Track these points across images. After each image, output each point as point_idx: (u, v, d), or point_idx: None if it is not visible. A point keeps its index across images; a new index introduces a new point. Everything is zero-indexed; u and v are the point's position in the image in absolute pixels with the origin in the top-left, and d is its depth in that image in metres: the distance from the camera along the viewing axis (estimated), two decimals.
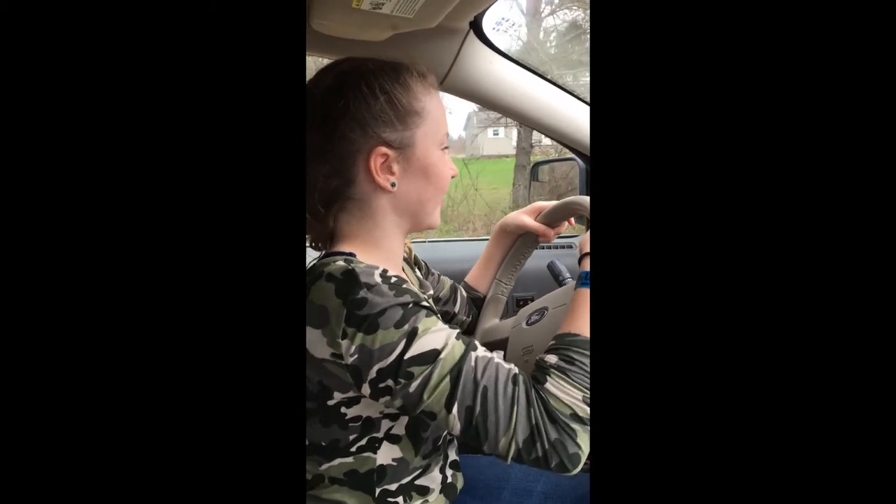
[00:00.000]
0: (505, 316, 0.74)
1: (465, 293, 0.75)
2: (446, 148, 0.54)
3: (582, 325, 0.47)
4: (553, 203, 0.69)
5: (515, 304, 1.06)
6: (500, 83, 0.85)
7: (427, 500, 0.55)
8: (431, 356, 0.42)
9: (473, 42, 0.78)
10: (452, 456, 0.59)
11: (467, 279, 0.77)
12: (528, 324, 0.63)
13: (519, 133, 5.53)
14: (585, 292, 0.49)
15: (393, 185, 0.50)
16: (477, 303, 0.76)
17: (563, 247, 1.16)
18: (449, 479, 0.58)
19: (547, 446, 0.41)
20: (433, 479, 0.55)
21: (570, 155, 1.06)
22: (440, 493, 0.56)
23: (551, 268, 0.76)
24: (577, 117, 0.92)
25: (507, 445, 0.42)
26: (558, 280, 0.75)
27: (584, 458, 0.43)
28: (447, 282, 0.74)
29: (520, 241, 0.74)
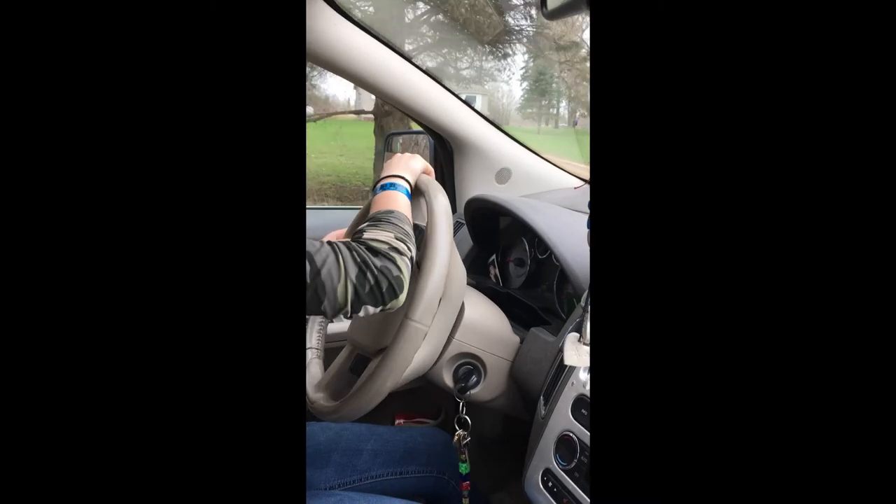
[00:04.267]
0: None
1: None
2: None
3: (379, 208, 0.57)
4: None
5: None
6: (348, 49, 0.83)
7: None
8: None
9: (316, 2, 0.75)
10: None
11: None
12: None
13: None
14: (380, 195, 0.60)
15: None
16: None
17: None
18: None
19: (376, 272, 0.48)
20: None
21: (419, 129, 1.09)
22: None
23: None
24: (425, 92, 0.95)
25: (343, 289, 0.46)
26: None
27: (405, 282, 0.50)
28: None
29: None
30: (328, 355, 0.75)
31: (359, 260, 0.48)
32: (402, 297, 0.50)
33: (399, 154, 0.67)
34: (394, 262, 0.49)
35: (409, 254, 0.52)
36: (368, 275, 0.47)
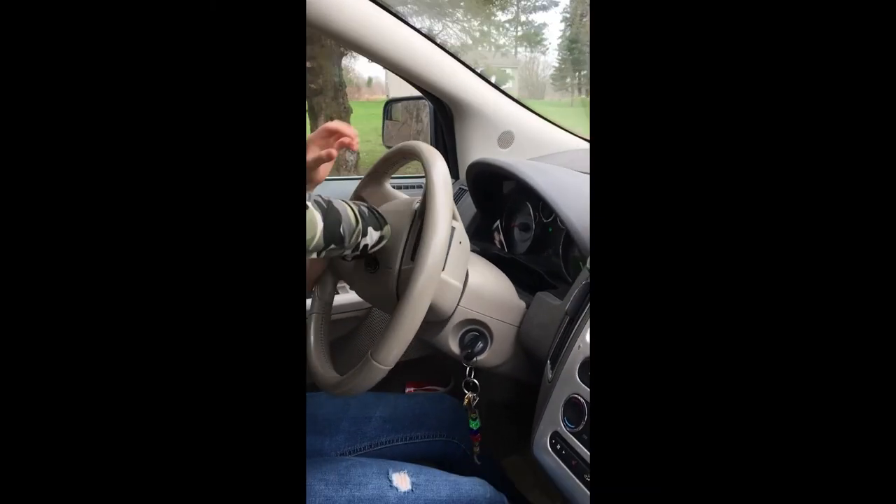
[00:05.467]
0: None
1: None
2: None
3: None
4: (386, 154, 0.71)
5: None
6: (343, 13, 0.80)
7: None
8: None
9: None
10: None
11: None
12: None
13: None
14: None
15: None
16: None
17: (416, 186, 1.18)
18: None
19: (364, 206, 0.58)
20: None
21: (418, 94, 1.06)
22: None
23: None
24: (422, 55, 0.91)
25: (352, 213, 0.55)
26: None
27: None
28: None
29: None
30: (333, 327, 0.75)
31: (348, 201, 0.57)
32: (388, 230, 0.59)
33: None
34: (368, 204, 0.60)
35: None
36: (361, 205, 0.57)
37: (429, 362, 1.10)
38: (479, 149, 1.05)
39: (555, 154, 1.05)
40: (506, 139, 1.05)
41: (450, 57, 0.95)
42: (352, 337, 1.07)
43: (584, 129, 1.08)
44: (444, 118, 1.06)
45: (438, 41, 0.94)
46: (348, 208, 0.54)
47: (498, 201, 0.94)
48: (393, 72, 0.95)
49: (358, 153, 3.89)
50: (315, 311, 0.74)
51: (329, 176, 0.70)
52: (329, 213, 0.52)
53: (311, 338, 0.72)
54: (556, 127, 1.08)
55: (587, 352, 0.54)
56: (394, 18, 0.87)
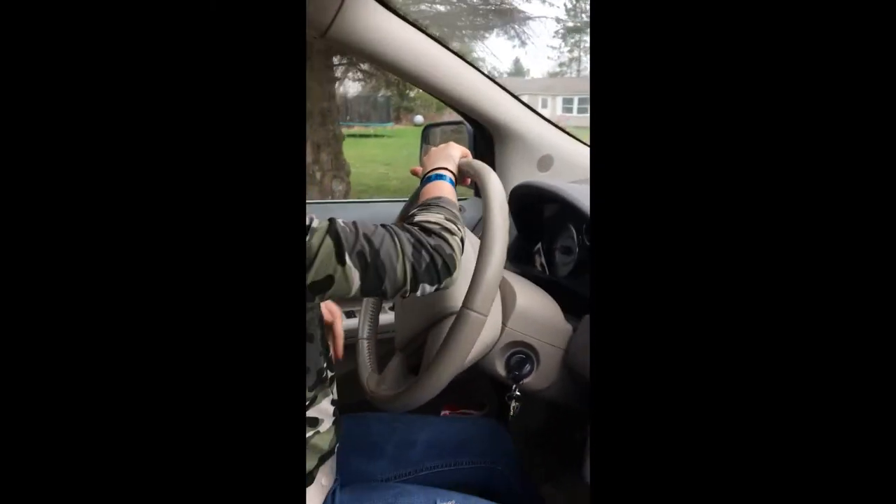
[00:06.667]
0: None
1: None
2: None
3: (427, 196, 0.58)
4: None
5: None
6: (385, 38, 0.82)
7: (318, 431, 0.55)
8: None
9: None
10: (334, 395, 0.59)
11: None
12: None
13: None
14: (427, 185, 0.62)
15: None
16: None
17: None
18: (337, 415, 0.59)
19: (431, 251, 0.48)
20: (322, 411, 0.56)
21: (458, 118, 1.08)
22: (332, 425, 0.57)
23: None
24: (463, 79, 0.93)
25: (402, 268, 0.47)
26: None
27: (458, 260, 0.51)
28: None
29: None
30: (381, 346, 0.76)
31: (413, 240, 0.48)
32: (456, 275, 0.50)
33: (435, 147, 0.69)
34: (446, 241, 0.50)
35: (459, 234, 0.52)
36: (424, 253, 0.48)
37: (464, 385, 1.09)
38: (518, 172, 1.05)
39: None
40: (545, 163, 1.06)
41: (490, 82, 0.96)
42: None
43: None
44: (484, 142, 1.07)
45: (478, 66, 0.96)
46: (399, 265, 0.47)
47: (539, 224, 0.93)
48: (434, 96, 0.97)
49: (349, 183, 3.69)
50: (362, 335, 0.75)
51: (378, 198, 0.72)
52: (371, 270, 0.46)
53: (361, 359, 0.72)
54: None
55: None
56: (436, 44, 0.89)
